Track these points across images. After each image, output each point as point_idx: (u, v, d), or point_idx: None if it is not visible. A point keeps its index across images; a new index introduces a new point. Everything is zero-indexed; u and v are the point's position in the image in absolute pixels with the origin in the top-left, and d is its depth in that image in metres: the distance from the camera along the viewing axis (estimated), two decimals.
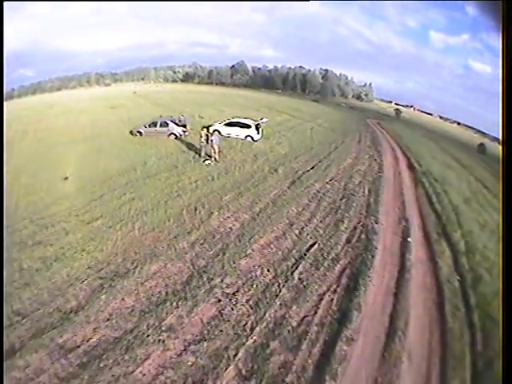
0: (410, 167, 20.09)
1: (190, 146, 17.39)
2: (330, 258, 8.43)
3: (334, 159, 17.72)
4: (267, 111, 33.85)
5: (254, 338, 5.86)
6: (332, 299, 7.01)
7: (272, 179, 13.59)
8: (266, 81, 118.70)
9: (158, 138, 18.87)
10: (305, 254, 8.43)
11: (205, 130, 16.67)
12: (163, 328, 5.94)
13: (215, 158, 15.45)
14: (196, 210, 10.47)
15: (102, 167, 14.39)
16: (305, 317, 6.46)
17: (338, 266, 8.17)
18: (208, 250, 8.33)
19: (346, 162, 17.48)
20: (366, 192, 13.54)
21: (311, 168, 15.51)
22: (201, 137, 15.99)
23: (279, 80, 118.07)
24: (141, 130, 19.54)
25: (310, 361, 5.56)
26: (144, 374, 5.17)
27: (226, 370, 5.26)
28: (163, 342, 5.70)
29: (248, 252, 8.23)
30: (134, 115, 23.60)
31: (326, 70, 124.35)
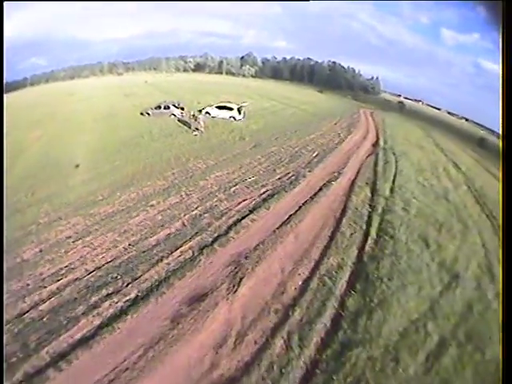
0: (374, 144, 22.90)
1: (184, 123, 21.87)
2: (259, 185, 12.78)
3: (299, 133, 21.63)
4: (259, 98, 38.12)
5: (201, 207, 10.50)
6: (251, 202, 11.33)
7: (239, 144, 18.07)
8: (274, 72, 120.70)
9: (162, 118, 23.47)
10: (243, 181, 12.88)
11: (195, 111, 21.40)
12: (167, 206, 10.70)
13: (201, 131, 19.98)
14: (179, 158, 15.16)
15: (119, 136, 19.16)
16: (228, 207, 10.88)
17: (263, 189, 12.51)
18: (182, 177, 13.02)
19: (309, 136, 21.20)
20: (314, 155, 17.36)
21: (274, 138, 19.71)
22: (191, 116, 20.80)
23: (287, 71, 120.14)
24: (149, 112, 24.19)
25: (229, 221, 9.97)
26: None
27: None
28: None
29: (206, 178, 12.85)
30: (145, 101, 28.23)
31: (334, 63, 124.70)
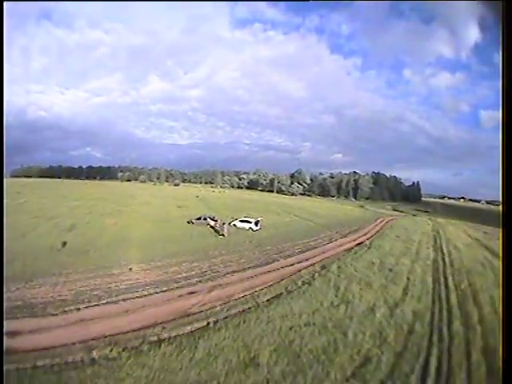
0: (359, 244, 32.65)
1: (215, 230, 33.93)
2: (245, 263, 22.93)
3: (295, 239, 32.30)
4: (285, 214, 50.72)
5: (208, 269, 20.98)
6: (235, 269, 21.46)
7: (247, 244, 28.95)
8: (321, 189, 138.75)
9: (201, 226, 36.07)
10: (237, 261, 23.25)
11: (225, 222, 33.71)
12: (190, 267, 21.51)
13: (225, 236, 31.53)
14: (205, 248, 26.19)
15: (170, 235, 31.27)
16: (223, 270, 21.22)
17: (246, 265, 22.55)
18: (203, 257, 23.81)
19: (302, 241, 31.79)
20: (296, 251, 27.65)
21: (274, 242, 30.32)
22: (221, 225, 33.02)
23: (334, 188, 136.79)
24: (193, 221, 37.35)
25: (220, 274, 20.28)
26: None
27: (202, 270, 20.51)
28: None
29: (216, 258, 23.59)
30: (192, 213, 42.30)
31: (378, 173, 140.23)
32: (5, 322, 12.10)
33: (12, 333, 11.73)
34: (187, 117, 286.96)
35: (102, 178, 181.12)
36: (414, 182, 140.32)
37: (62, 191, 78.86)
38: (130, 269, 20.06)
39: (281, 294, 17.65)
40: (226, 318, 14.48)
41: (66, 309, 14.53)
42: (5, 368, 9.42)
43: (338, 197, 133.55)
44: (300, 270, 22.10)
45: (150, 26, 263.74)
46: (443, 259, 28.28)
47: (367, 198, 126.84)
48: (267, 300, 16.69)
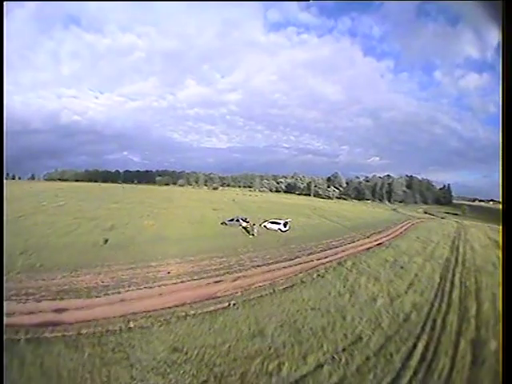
0: (379, 244, 34.50)
1: (246, 230, 36.76)
2: (270, 259, 25.46)
3: (319, 238, 34.44)
4: (316, 217, 52.63)
5: (236, 262, 23.82)
6: (260, 264, 24.01)
7: (274, 243, 31.35)
8: (357, 192, 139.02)
9: (234, 227, 39.01)
10: (262, 257, 25.75)
11: (255, 223, 36.45)
12: (220, 261, 24.49)
13: (255, 235, 34.22)
14: (234, 246, 28.91)
15: (203, 234, 34.47)
16: (248, 264, 23.88)
17: (270, 260, 24.97)
18: (232, 252, 26.70)
19: (326, 240, 33.85)
20: (318, 249, 29.85)
21: (300, 242, 32.53)
22: (251, 226, 35.82)
23: (369, 191, 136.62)
24: (226, 222, 40.45)
25: (244, 268, 23.00)
26: None
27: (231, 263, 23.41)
28: None
29: (243, 254, 26.32)
30: (227, 215, 45.53)
31: (411, 177, 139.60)
32: (51, 302, 15.37)
33: (58, 310, 14.67)
34: (225, 121, 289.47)
35: (139, 182, 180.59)
36: (445, 185, 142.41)
37: (99, 194, 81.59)
38: (168, 272, 21.27)
39: (295, 284, 20.02)
40: (244, 301, 17.04)
41: (108, 292, 17.01)
42: (51, 335, 12.13)
43: (373, 200, 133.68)
44: (318, 266, 24.26)
45: (182, 30, 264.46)
46: (456, 259, 29.20)
47: (401, 202, 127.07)
48: (283, 288, 19.07)
